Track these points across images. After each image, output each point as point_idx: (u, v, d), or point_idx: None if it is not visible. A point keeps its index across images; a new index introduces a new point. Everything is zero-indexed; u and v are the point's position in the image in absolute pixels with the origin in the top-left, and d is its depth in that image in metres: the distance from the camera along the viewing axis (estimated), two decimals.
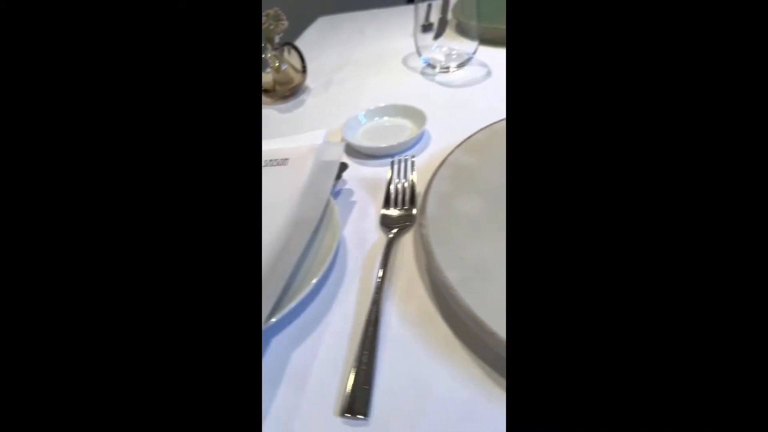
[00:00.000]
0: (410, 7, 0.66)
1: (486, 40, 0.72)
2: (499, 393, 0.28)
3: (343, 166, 0.49)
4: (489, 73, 0.68)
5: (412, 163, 0.47)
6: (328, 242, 0.38)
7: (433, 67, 0.71)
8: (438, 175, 0.43)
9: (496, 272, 0.32)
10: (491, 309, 0.29)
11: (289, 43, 0.72)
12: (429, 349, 0.31)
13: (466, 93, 0.64)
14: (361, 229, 0.43)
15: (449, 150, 0.46)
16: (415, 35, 0.69)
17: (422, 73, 0.72)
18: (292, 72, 0.71)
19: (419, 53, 0.70)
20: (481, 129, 0.48)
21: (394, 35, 0.88)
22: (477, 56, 0.70)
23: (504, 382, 0.29)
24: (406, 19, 0.68)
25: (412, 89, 0.68)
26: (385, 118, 0.58)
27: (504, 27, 0.75)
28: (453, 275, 0.32)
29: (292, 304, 0.32)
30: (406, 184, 0.46)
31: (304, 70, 0.73)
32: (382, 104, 0.59)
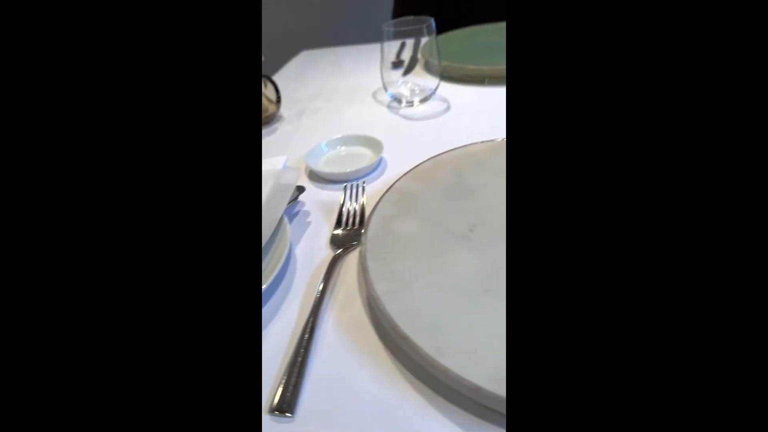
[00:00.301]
0: (386, 44, 0.72)
1: (447, 77, 0.77)
2: (415, 395, 0.31)
3: (300, 189, 0.52)
4: (448, 108, 0.73)
5: (363, 188, 0.51)
6: (276, 257, 0.42)
7: (398, 101, 0.76)
8: (384, 199, 0.47)
9: (419, 285, 0.36)
10: (409, 316, 0.32)
11: (265, 76, 0.77)
12: (357, 354, 0.34)
13: (425, 125, 0.69)
14: (312, 248, 0.47)
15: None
16: (381, 72, 0.74)
17: (388, 106, 0.77)
18: (266, 102, 0.76)
19: (385, 88, 0.75)
20: (428, 159, 0.52)
21: (368, 70, 0.94)
22: (439, 92, 0.75)
23: (420, 384, 0.32)
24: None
25: (378, 121, 0.73)
26: (344, 148, 0.63)
27: (463, 66, 0.81)
28: (381, 287, 0.35)
29: None
30: (357, 207, 0.49)
31: (278, 100, 0.77)
32: (340, 135, 0.64)
